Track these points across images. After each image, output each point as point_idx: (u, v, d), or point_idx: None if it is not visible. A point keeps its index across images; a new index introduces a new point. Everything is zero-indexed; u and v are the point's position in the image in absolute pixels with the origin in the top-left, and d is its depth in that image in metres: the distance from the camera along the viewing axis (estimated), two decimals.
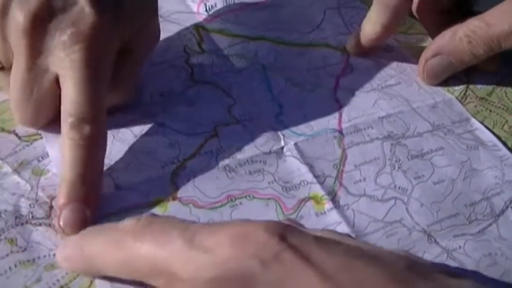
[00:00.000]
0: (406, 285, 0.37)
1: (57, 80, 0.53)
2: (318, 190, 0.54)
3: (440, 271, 0.41)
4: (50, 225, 0.50)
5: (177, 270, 0.40)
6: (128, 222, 0.43)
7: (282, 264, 0.37)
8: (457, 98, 0.64)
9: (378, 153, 0.57)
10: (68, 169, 0.50)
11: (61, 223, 0.49)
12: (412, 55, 0.68)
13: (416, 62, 0.66)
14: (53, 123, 0.55)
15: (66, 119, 0.51)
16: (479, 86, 0.66)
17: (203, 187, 0.53)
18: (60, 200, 0.50)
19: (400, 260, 0.40)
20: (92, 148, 0.51)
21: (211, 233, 0.40)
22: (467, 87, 0.66)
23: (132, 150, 0.55)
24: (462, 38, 0.61)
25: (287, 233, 0.39)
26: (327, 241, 0.40)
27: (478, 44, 0.61)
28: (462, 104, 0.64)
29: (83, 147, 0.50)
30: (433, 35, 0.66)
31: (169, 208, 0.52)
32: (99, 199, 0.51)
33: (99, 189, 0.52)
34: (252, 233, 0.39)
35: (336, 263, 0.38)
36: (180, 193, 0.53)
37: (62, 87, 0.52)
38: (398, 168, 0.56)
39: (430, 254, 0.51)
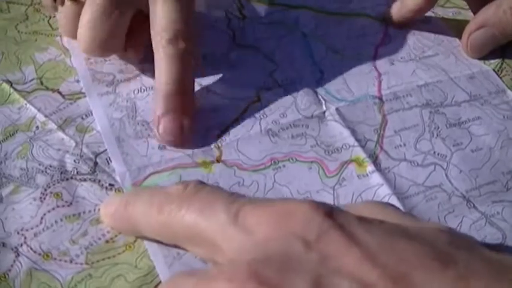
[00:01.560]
0: (448, 260, 0.37)
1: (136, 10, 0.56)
2: (359, 153, 0.55)
3: (482, 245, 0.41)
4: (94, 180, 0.51)
5: (220, 243, 0.40)
6: (174, 188, 0.44)
7: (326, 244, 0.37)
8: (493, 69, 0.64)
9: (417, 120, 0.58)
10: (164, 82, 0.53)
11: (160, 131, 0.52)
12: (449, 28, 0.68)
13: (453, 35, 0.67)
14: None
15: (162, 36, 0.54)
16: None
17: (246, 150, 0.54)
18: (158, 110, 0.53)
19: (442, 236, 0.39)
20: (186, 61, 0.54)
21: (255, 211, 0.40)
22: (503, 60, 0.65)
23: None
24: (506, 10, 0.61)
25: (331, 211, 0.39)
26: (370, 221, 0.39)
27: None
28: (498, 76, 0.64)
29: (179, 60, 0.54)
30: (476, 9, 0.65)
31: (214, 169, 0.52)
32: (194, 108, 0.55)
33: (194, 100, 0.55)
34: (295, 211, 0.39)
35: (379, 243, 0.37)
36: (225, 155, 0.53)
37: (153, 9, 0.55)
38: (437, 135, 0.57)
39: (469, 218, 0.52)
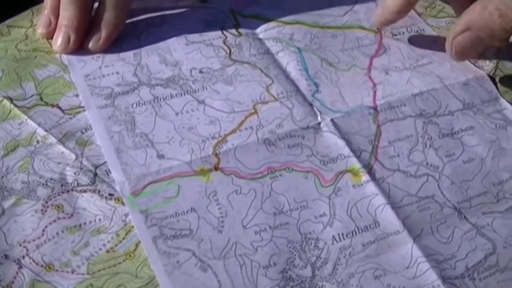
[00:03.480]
0: None
1: None
2: (354, 163, 0.56)
3: None
4: (94, 191, 0.52)
5: None
6: None
7: None
8: (488, 75, 0.65)
9: (410, 130, 0.59)
10: None
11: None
12: (443, 38, 0.68)
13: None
14: None
15: None
16: (508, 66, 0.67)
17: (244, 159, 0.55)
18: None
19: None
20: None
21: None
22: (497, 66, 0.66)
23: (174, 126, 0.57)
24: (493, 12, 0.58)
25: None
26: None
27: (510, 18, 0.58)
28: (493, 81, 0.64)
29: None
30: (459, 10, 0.65)
31: (212, 177, 0.53)
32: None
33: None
34: None
35: None
36: (222, 164, 0.54)
37: None
38: (430, 146, 0.58)
39: (461, 229, 0.53)
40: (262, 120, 0.58)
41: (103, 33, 0.62)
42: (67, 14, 0.61)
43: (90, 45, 0.62)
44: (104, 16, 0.62)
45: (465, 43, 0.61)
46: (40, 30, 0.63)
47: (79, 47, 0.62)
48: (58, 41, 0.62)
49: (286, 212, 0.52)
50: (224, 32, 0.66)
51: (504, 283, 0.50)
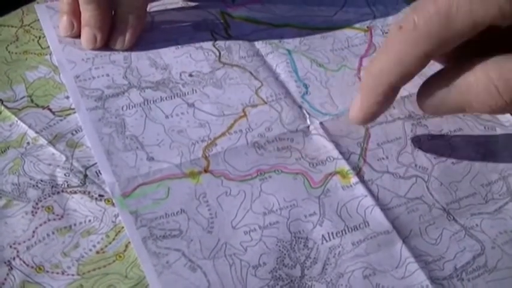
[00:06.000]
0: None
1: None
2: (343, 165, 0.56)
3: None
4: (84, 192, 0.52)
5: None
6: None
7: None
8: None
9: (399, 133, 0.59)
10: None
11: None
12: None
13: None
14: None
15: None
16: None
17: (233, 162, 0.55)
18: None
19: None
20: None
21: None
22: None
23: (163, 128, 0.57)
24: (498, 83, 0.44)
25: None
26: None
27: None
28: None
29: None
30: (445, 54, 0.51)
31: (202, 179, 0.54)
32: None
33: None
34: None
35: None
36: (212, 166, 0.54)
37: None
38: (419, 148, 0.58)
39: (449, 230, 0.54)
40: (251, 124, 0.58)
41: (127, 33, 0.63)
42: (88, 15, 0.61)
43: (117, 45, 0.63)
44: (126, 16, 0.63)
45: (446, 108, 0.49)
46: (63, 34, 0.64)
47: (105, 45, 0.63)
48: (85, 40, 0.62)
49: (276, 211, 0.52)
50: (214, 34, 0.67)
51: (492, 283, 0.51)
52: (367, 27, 0.70)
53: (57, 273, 0.47)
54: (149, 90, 0.59)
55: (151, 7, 0.68)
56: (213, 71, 0.62)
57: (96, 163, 0.54)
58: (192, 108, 0.59)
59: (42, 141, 0.55)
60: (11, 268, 0.47)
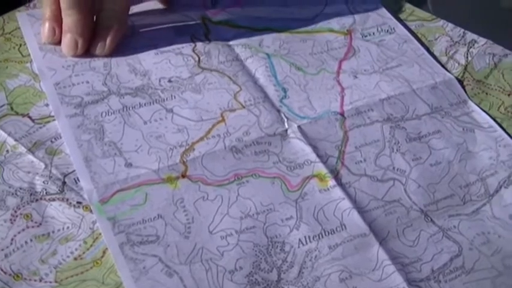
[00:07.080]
0: None
1: None
2: (321, 168, 0.56)
3: None
4: (63, 199, 0.52)
5: None
6: None
7: None
8: (456, 77, 0.66)
9: (377, 135, 0.60)
10: None
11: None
12: (413, 38, 0.70)
13: (417, 44, 0.69)
14: None
15: None
16: (476, 69, 0.67)
17: (211, 167, 0.55)
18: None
19: None
20: None
21: None
22: (465, 69, 0.67)
23: (142, 134, 0.57)
24: None
25: None
26: None
27: None
28: (461, 85, 0.65)
29: None
30: None
31: (179, 185, 0.54)
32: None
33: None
34: None
35: None
36: (190, 171, 0.55)
37: None
38: (397, 150, 0.59)
39: (427, 232, 0.54)
40: (229, 128, 0.58)
41: (108, 39, 0.63)
42: (70, 20, 0.61)
43: (97, 51, 0.63)
44: (107, 22, 0.63)
45: None
46: (45, 40, 0.63)
47: (87, 51, 0.63)
48: (66, 47, 0.62)
49: (253, 215, 0.52)
50: (194, 39, 0.67)
51: (470, 285, 0.51)
52: (347, 30, 0.70)
53: (35, 280, 0.48)
54: (128, 96, 0.60)
55: (132, 10, 0.67)
56: (192, 76, 0.63)
57: (74, 170, 0.54)
58: (170, 114, 0.59)
59: (21, 149, 0.55)
60: None
